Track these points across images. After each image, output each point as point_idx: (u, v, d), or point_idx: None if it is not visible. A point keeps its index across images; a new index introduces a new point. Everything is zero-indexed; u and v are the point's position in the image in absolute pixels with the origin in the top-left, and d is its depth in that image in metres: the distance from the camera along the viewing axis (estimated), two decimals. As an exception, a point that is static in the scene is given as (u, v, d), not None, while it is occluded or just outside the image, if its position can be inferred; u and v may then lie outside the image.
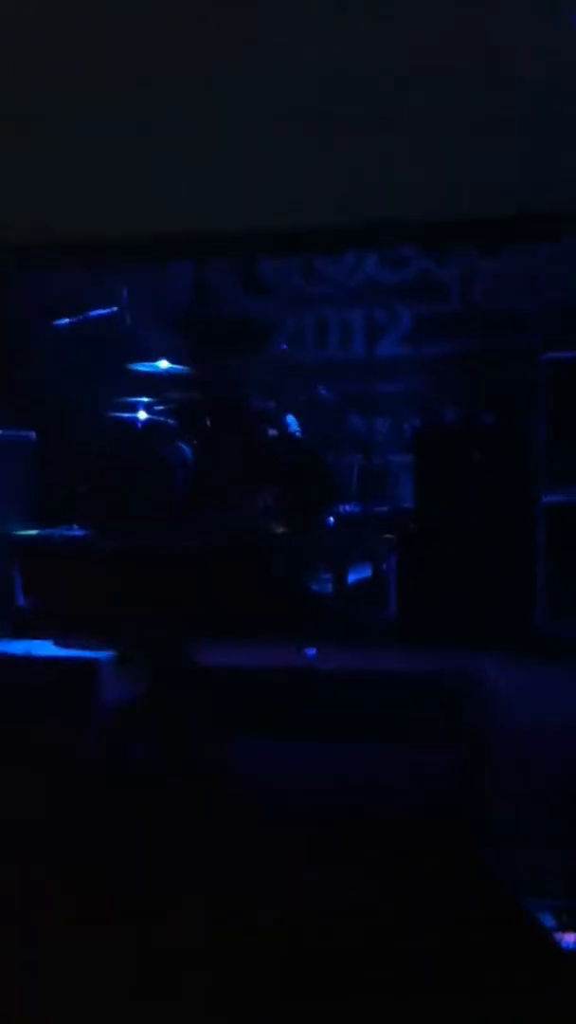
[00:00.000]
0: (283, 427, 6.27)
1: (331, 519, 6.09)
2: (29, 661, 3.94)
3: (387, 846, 2.43)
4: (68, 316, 6.77)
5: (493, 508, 5.38)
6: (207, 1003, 1.76)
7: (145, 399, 6.61)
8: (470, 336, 6.95)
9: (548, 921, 2.40)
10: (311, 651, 4.94)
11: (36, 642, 5.09)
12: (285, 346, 6.60)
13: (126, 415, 6.58)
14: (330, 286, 6.86)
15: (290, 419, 6.31)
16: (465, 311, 7.12)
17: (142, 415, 6.56)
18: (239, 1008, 1.71)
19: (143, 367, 6.57)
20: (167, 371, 6.55)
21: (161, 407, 6.55)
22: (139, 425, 6.53)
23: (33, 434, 6.70)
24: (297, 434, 6.17)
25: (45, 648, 4.89)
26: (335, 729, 2.58)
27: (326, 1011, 1.69)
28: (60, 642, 5.03)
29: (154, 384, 6.61)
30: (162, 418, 6.54)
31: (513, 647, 4.67)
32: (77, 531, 6.27)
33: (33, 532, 6.25)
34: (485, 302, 7.08)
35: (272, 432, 6.23)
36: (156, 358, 6.56)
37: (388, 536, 5.76)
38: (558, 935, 2.37)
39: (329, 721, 2.58)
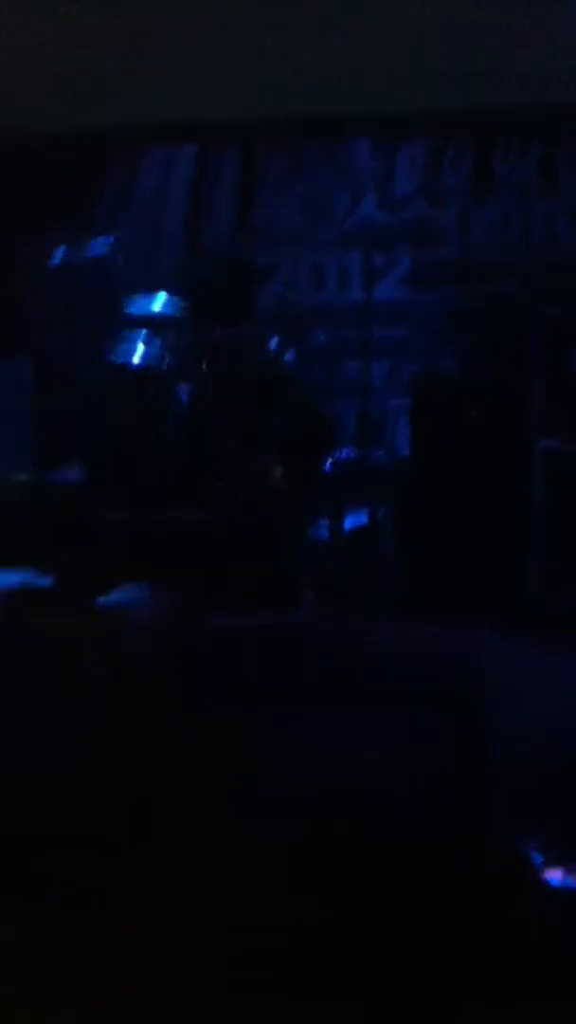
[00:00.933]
0: (284, 369, 6.22)
1: (328, 465, 6.08)
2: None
3: (379, 817, 2.45)
4: (61, 256, 6.70)
5: (490, 458, 5.37)
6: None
7: (141, 343, 6.55)
8: (467, 283, 6.88)
9: (536, 858, 2.43)
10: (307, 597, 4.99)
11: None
12: (280, 288, 6.53)
13: (121, 358, 6.52)
14: (327, 228, 6.75)
15: (289, 358, 6.25)
16: (463, 257, 7.03)
17: (137, 356, 6.49)
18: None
19: (137, 308, 6.50)
20: (163, 312, 6.48)
21: (157, 348, 6.49)
22: (133, 367, 6.47)
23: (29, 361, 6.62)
24: (296, 377, 6.13)
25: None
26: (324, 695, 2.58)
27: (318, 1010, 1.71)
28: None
29: (150, 325, 6.54)
30: (157, 361, 6.48)
31: (511, 611, 4.70)
32: (75, 473, 6.25)
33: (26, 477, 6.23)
34: (482, 250, 7.00)
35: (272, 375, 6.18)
36: (152, 298, 6.49)
37: (385, 483, 5.77)
38: (545, 871, 2.41)
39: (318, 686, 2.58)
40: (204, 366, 6.43)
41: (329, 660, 2.80)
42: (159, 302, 6.44)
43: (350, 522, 5.95)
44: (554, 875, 2.36)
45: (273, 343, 6.26)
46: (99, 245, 6.73)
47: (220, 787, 2.27)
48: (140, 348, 6.50)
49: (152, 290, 6.57)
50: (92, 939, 1.93)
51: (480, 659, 2.66)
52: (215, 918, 1.97)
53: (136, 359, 6.46)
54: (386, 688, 2.62)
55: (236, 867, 2.09)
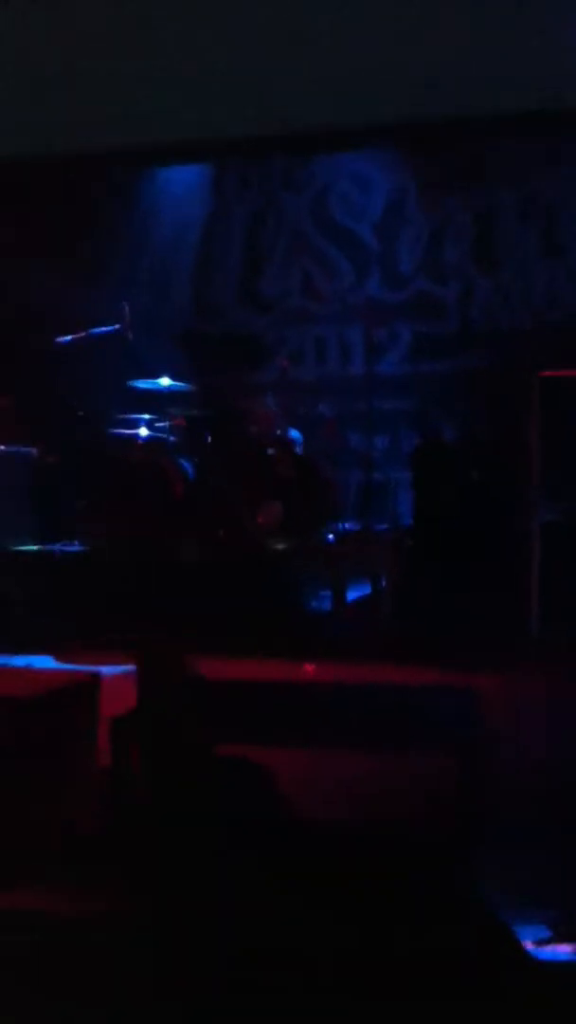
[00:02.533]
0: (285, 442, 6.32)
1: (331, 536, 6.13)
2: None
3: (379, 855, 2.46)
4: (70, 332, 6.84)
5: (490, 525, 5.43)
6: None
7: (147, 416, 6.66)
8: (468, 354, 7.03)
9: (543, 932, 2.43)
10: (308, 667, 4.98)
11: (37, 657, 5.11)
12: (285, 363, 6.65)
13: (127, 431, 6.63)
14: (330, 303, 6.92)
15: (293, 434, 6.35)
16: (463, 329, 7.20)
17: (143, 431, 6.61)
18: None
19: (144, 384, 6.63)
20: (168, 388, 6.61)
21: (162, 424, 6.61)
22: (140, 441, 6.58)
23: (34, 450, 6.74)
24: (299, 450, 6.21)
25: (46, 663, 4.91)
26: (332, 738, 2.61)
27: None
28: (61, 657, 5.06)
29: (155, 401, 6.67)
30: (163, 434, 6.59)
31: (509, 663, 4.71)
32: (76, 546, 6.30)
33: (33, 548, 6.29)
34: (482, 320, 7.17)
35: (273, 449, 6.27)
36: (157, 375, 6.62)
37: (387, 554, 5.81)
38: (553, 946, 2.40)
39: (327, 730, 2.61)
40: (209, 438, 6.55)
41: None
42: (165, 377, 6.58)
43: (353, 593, 5.99)
44: (563, 949, 2.37)
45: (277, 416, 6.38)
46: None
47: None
48: (146, 422, 6.63)
49: (159, 364, 6.72)
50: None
51: (478, 704, 2.70)
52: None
53: (143, 433, 6.58)
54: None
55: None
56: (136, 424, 6.62)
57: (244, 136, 4.55)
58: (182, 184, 7.93)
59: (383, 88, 4.14)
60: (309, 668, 5.00)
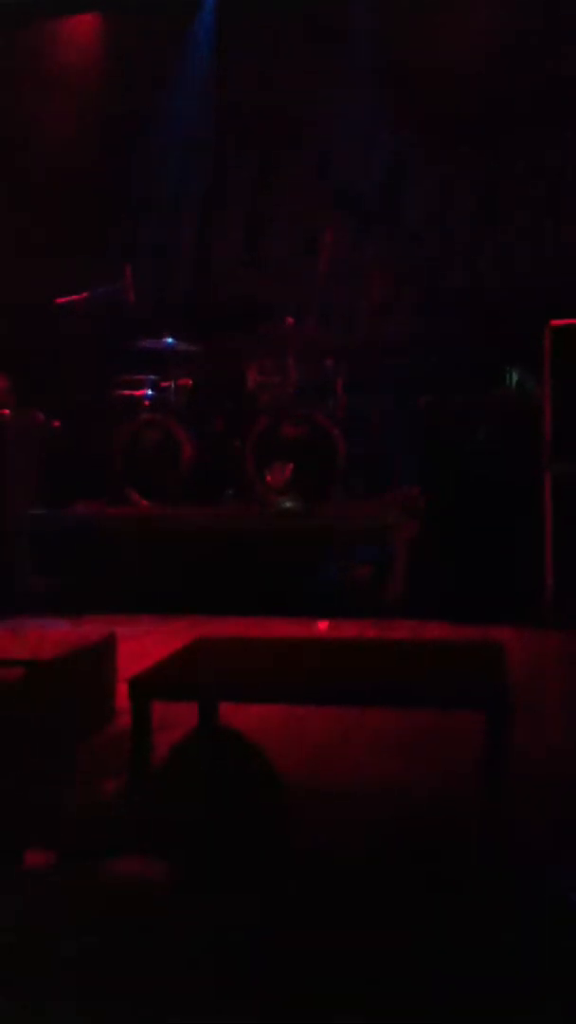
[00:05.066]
0: (293, 402, 6.27)
1: (339, 495, 6.10)
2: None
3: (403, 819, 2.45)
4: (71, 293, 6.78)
5: (501, 481, 5.39)
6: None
7: (152, 376, 6.61)
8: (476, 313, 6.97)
9: None
10: (322, 624, 4.98)
11: (50, 621, 5.10)
12: (291, 322, 6.57)
13: (133, 393, 6.58)
14: (335, 264, 6.81)
15: (299, 393, 6.31)
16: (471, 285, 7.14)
17: (148, 392, 6.56)
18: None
19: (149, 344, 6.57)
20: (172, 348, 6.55)
21: (167, 385, 6.55)
22: (146, 401, 6.53)
23: (41, 415, 6.69)
24: (306, 410, 6.16)
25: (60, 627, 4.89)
26: (351, 693, 2.59)
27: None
28: (74, 622, 5.05)
29: (160, 361, 6.61)
30: (169, 395, 6.54)
31: (525, 619, 4.71)
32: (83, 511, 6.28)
33: (42, 511, 6.25)
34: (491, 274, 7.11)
35: (280, 409, 6.22)
36: (161, 335, 6.56)
37: (398, 511, 5.77)
38: None
39: (356, 687, 2.58)
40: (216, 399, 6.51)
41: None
42: (169, 337, 6.53)
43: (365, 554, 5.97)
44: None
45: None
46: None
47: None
48: (151, 383, 6.58)
49: (161, 325, 6.66)
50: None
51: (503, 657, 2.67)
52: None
53: (148, 393, 6.54)
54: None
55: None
56: (141, 385, 6.58)
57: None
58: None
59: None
60: (323, 626, 5.00)
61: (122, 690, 2.86)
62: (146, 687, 2.54)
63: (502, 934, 1.76)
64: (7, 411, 6.41)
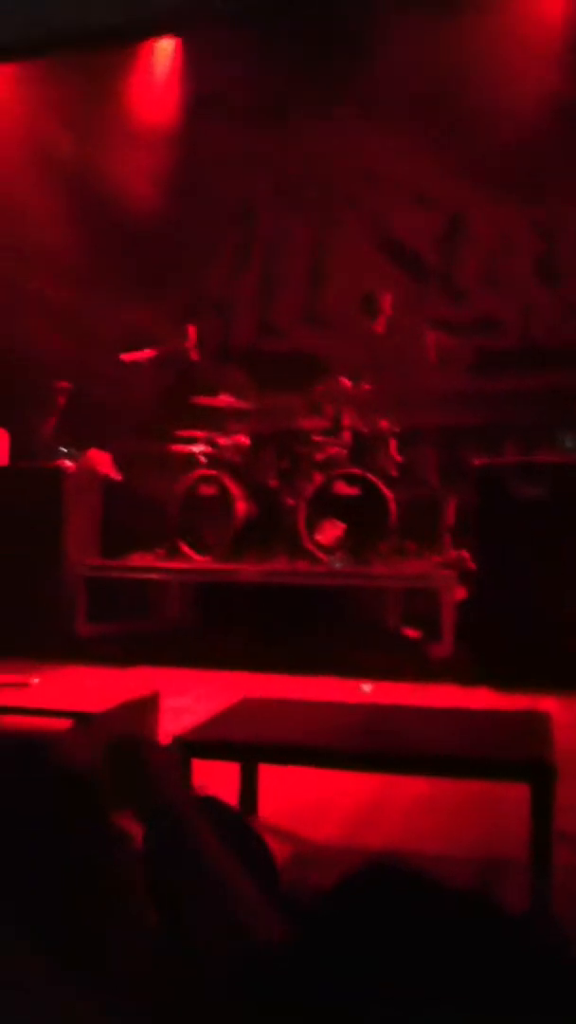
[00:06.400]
0: (346, 460, 6.30)
1: (389, 554, 6.09)
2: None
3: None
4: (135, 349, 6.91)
5: (554, 544, 5.35)
6: None
7: (209, 432, 6.69)
8: (531, 371, 6.97)
9: None
10: (367, 687, 4.96)
11: (99, 669, 5.15)
12: (345, 380, 6.63)
13: (186, 448, 6.67)
14: (391, 320, 6.87)
15: (353, 451, 6.33)
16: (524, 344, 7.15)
17: (199, 448, 6.62)
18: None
19: (205, 401, 6.66)
20: (229, 404, 6.64)
21: (224, 441, 6.63)
22: (200, 458, 6.61)
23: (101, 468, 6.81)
24: (360, 467, 6.19)
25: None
26: (392, 760, 2.58)
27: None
28: (123, 672, 5.09)
29: (216, 418, 6.70)
30: (224, 451, 6.61)
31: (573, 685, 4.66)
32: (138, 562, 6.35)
33: (99, 561, 6.35)
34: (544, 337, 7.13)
35: (333, 466, 6.26)
36: (218, 392, 6.66)
37: (448, 572, 5.76)
38: None
39: (386, 753, 2.58)
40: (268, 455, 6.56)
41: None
42: (225, 394, 6.62)
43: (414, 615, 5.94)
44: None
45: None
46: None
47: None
48: (204, 440, 6.65)
49: (220, 382, 6.76)
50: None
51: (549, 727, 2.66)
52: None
53: (198, 449, 6.61)
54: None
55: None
56: (199, 440, 6.66)
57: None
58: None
59: None
60: (367, 687, 4.98)
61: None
62: (189, 746, 2.57)
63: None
64: (71, 463, 6.53)
